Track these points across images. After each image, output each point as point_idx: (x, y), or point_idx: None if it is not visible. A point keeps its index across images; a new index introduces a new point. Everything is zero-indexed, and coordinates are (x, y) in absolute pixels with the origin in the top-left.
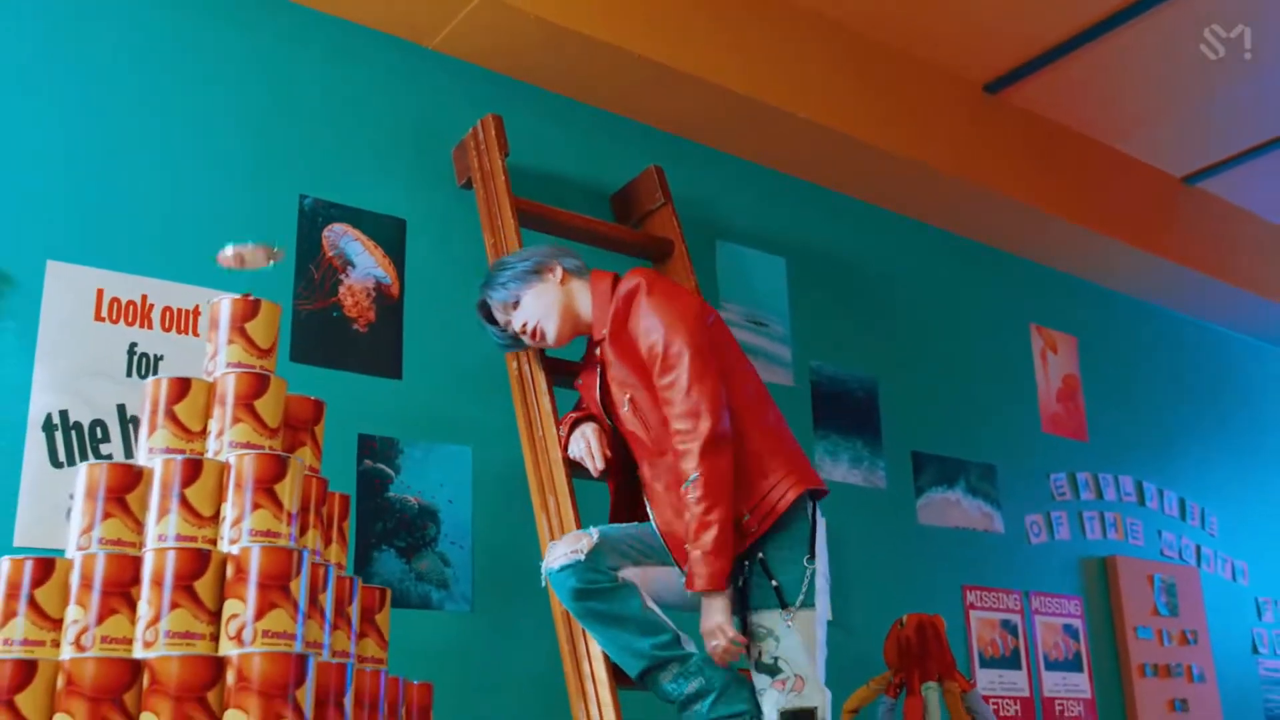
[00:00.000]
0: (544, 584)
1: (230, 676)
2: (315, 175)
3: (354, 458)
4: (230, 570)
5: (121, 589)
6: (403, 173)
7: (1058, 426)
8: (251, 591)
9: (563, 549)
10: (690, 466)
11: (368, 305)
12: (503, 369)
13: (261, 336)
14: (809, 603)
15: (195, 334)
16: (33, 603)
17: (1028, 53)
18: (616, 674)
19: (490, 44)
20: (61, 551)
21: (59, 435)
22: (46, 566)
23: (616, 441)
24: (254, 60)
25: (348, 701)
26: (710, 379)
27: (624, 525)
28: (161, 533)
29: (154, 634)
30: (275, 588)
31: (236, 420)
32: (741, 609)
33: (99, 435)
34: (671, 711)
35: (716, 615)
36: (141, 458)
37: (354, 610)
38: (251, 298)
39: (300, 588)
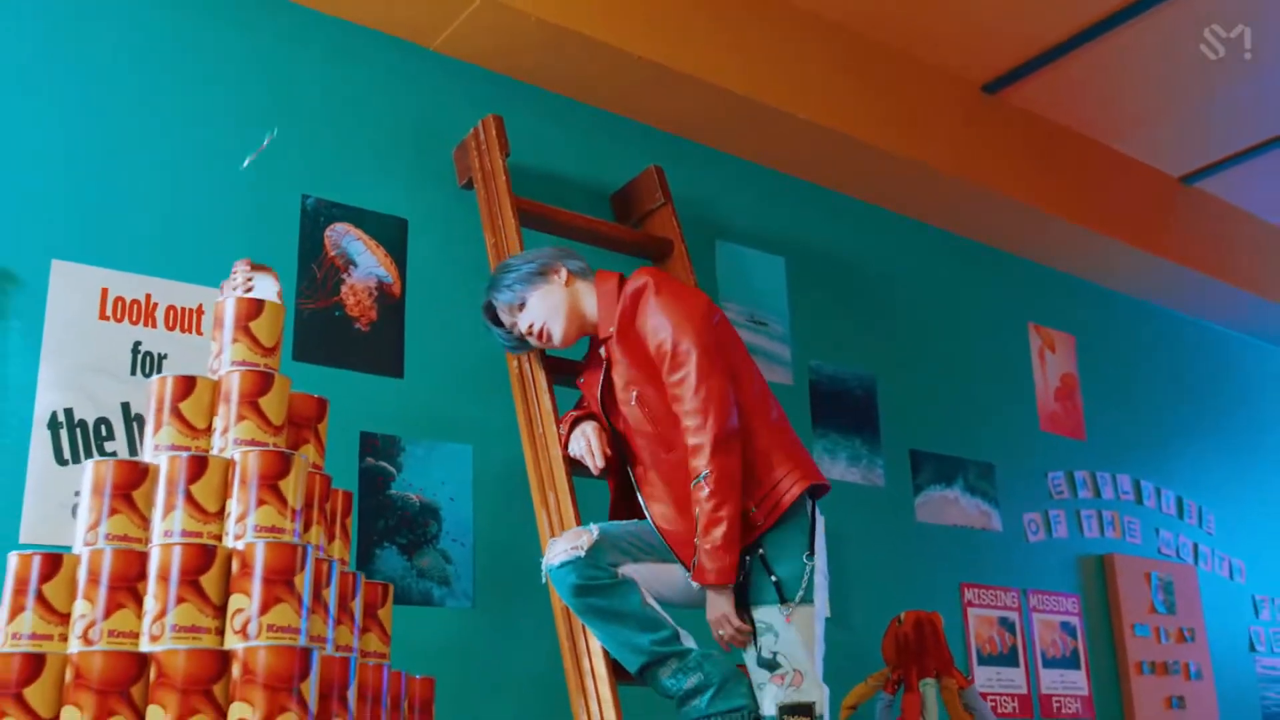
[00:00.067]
0: (544, 580)
1: (236, 670)
2: (317, 175)
3: (356, 455)
4: (235, 565)
5: (128, 584)
6: (404, 173)
7: (1056, 425)
8: (256, 586)
9: (563, 546)
10: (701, 464)
11: (369, 304)
12: (503, 368)
13: (265, 335)
14: (808, 599)
15: (198, 333)
16: (40, 597)
17: (1027, 53)
18: (616, 670)
19: (491, 45)
20: (66, 548)
21: (64, 433)
22: (54, 562)
23: (615, 440)
24: (256, 61)
25: (351, 695)
26: (717, 377)
27: (624, 522)
28: (167, 528)
29: (160, 628)
30: (280, 583)
31: (241, 417)
32: (741, 604)
33: (103, 433)
34: (671, 707)
35: (722, 605)
36: (147, 454)
37: (357, 605)
38: (254, 298)
39: (304, 583)
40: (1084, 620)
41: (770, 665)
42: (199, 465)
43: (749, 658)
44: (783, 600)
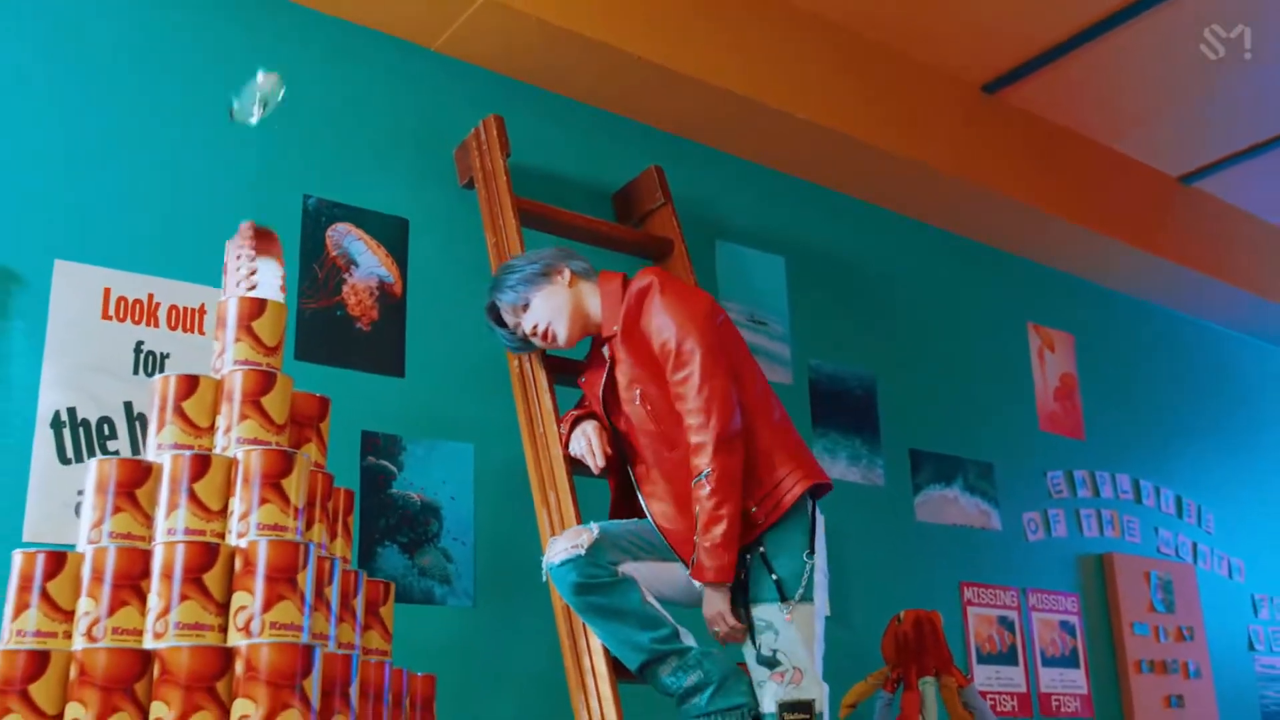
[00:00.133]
0: (545, 579)
1: (239, 667)
2: (319, 175)
3: (358, 454)
4: (238, 563)
5: (132, 581)
6: (405, 173)
7: (1055, 425)
8: (259, 584)
9: (563, 544)
10: (703, 462)
11: (371, 304)
12: (504, 367)
13: (268, 334)
14: (808, 597)
15: (201, 332)
16: (45, 595)
17: (1026, 53)
18: (616, 668)
19: (492, 45)
20: (69, 547)
21: (67, 432)
22: (58, 560)
23: (616, 439)
24: (258, 61)
25: (353, 691)
26: (720, 377)
27: (624, 521)
28: (171, 526)
29: (164, 625)
30: (282, 580)
31: (244, 416)
32: (741, 601)
33: (106, 432)
34: (671, 705)
35: (718, 603)
36: (150, 453)
37: (359, 603)
38: (256, 297)
39: (307, 581)
40: (1083, 619)
41: (770, 663)
42: (202, 464)
43: (749, 655)
44: (783, 598)
